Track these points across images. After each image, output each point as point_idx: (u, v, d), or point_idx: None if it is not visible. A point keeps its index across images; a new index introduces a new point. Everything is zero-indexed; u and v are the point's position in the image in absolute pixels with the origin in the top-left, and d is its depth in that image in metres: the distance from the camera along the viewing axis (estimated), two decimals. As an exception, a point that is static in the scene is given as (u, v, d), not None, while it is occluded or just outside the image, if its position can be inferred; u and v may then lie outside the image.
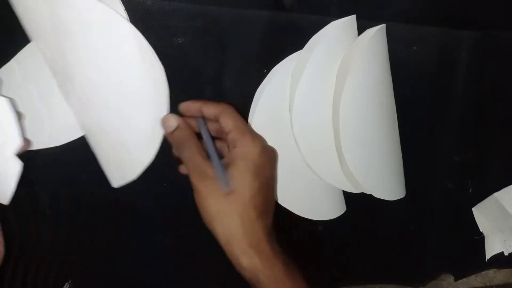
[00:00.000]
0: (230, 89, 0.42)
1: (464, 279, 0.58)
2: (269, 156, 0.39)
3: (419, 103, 0.47)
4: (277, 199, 0.42)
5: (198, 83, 0.41)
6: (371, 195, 0.45)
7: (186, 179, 0.37)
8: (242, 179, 0.36)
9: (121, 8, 0.36)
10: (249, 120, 0.42)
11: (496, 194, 0.53)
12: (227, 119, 0.37)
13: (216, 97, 0.41)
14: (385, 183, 0.46)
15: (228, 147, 0.39)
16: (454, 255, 0.55)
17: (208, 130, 0.39)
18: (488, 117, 0.50)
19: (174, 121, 0.38)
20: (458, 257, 0.55)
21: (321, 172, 0.43)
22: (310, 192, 0.45)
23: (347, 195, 0.48)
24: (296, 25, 0.41)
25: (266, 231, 0.36)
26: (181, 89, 0.39)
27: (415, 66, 0.45)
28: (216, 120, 0.38)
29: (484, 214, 0.54)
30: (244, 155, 0.37)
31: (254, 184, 0.36)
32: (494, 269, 0.58)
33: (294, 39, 0.41)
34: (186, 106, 0.39)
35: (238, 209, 0.35)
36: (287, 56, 0.41)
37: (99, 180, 0.41)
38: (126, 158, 0.40)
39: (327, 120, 0.42)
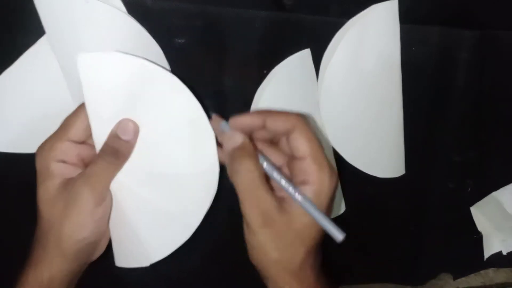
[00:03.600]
0: (230, 89, 0.42)
1: (463, 278, 0.58)
2: (337, 190, 0.33)
3: (419, 103, 0.47)
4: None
5: (198, 83, 0.41)
6: (371, 196, 0.45)
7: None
8: (303, 219, 0.31)
9: (121, 8, 0.37)
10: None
11: (495, 193, 0.53)
12: (302, 140, 0.31)
13: (216, 97, 0.41)
14: (374, 158, 0.47)
15: (289, 169, 0.33)
16: (453, 254, 0.55)
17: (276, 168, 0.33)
18: (488, 117, 0.50)
19: (238, 136, 0.32)
20: (457, 257, 0.56)
21: (347, 155, 0.45)
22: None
23: (347, 195, 0.48)
24: (296, 25, 0.41)
25: (313, 267, 0.33)
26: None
27: (415, 66, 0.45)
28: (283, 134, 0.32)
29: (482, 213, 0.54)
30: (316, 195, 0.31)
31: (314, 225, 0.31)
32: (493, 268, 0.58)
33: (294, 39, 0.41)
34: (242, 121, 0.33)
35: (288, 247, 0.31)
36: (287, 56, 0.41)
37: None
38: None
39: (356, 104, 0.43)
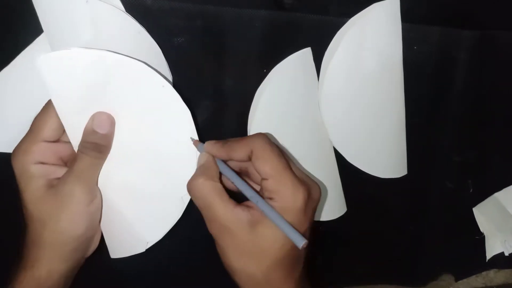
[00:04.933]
0: (230, 89, 0.42)
1: (465, 280, 0.57)
2: (311, 203, 0.33)
3: (419, 103, 0.47)
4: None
5: (197, 83, 0.41)
6: (371, 196, 0.45)
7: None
8: (273, 239, 0.31)
9: (121, 8, 0.37)
10: (249, 120, 0.42)
11: (496, 194, 0.53)
12: (262, 163, 0.32)
13: (216, 97, 0.41)
14: (375, 158, 0.47)
15: (260, 190, 0.34)
16: (454, 255, 0.55)
17: (235, 174, 0.34)
18: (488, 117, 0.50)
19: (202, 158, 0.34)
20: (458, 258, 0.55)
21: (348, 155, 0.45)
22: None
23: (348, 196, 0.48)
24: (296, 25, 0.41)
25: (294, 279, 0.33)
26: (181, 89, 0.39)
27: (415, 66, 0.45)
28: (247, 161, 0.33)
29: (484, 214, 0.54)
30: (283, 212, 0.31)
31: (286, 245, 0.31)
32: (495, 270, 0.58)
33: (294, 39, 0.41)
34: (211, 151, 0.34)
35: (264, 268, 0.32)
36: (287, 56, 0.41)
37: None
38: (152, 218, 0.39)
39: (357, 103, 0.43)
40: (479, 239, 0.55)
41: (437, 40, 0.45)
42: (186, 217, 0.44)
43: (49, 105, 0.33)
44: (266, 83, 0.41)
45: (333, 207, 0.47)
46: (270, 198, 0.32)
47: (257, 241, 0.31)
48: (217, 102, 0.42)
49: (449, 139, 0.49)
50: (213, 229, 0.32)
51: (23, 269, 0.33)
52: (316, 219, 0.46)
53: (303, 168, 0.43)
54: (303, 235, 0.31)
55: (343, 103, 0.44)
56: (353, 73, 0.43)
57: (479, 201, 0.54)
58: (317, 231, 0.49)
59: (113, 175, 0.36)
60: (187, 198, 0.38)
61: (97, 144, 0.34)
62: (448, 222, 0.53)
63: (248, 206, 0.33)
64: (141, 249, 0.39)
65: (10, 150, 0.39)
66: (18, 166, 0.33)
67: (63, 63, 0.33)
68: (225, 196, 0.32)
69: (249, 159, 0.33)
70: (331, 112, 0.43)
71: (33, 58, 0.37)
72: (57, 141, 0.35)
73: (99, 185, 0.36)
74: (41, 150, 0.33)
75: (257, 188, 0.35)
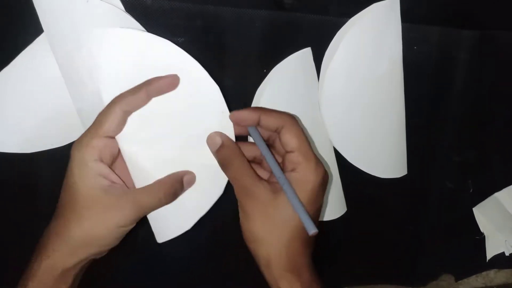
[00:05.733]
0: (230, 89, 0.42)
1: (465, 280, 0.57)
2: (325, 186, 0.36)
3: (419, 102, 0.47)
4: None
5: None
6: (371, 196, 0.45)
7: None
8: (294, 210, 0.33)
9: (121, 7, 0.37)
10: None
11: (497, 194, 0.53)
12: (291, 136, 0.34)
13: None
14: (376, 158, 0.47)
15: (282, 163, 0.36)
16: (455, 255, 0.55)
17: (265, 143, 0.36)
18: (488, 117, 0.50)
19: (218, 138, 0.36)
20: (459, 258, 0.55)
21: (348, 155, 0.45)
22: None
23: (348, 196, 0.48)
24: (296, 25, 0.41)
25: (308, 258, 0.35)
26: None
27: (415, 66, 0.45)
28: (275, 131, 0.35)
29: (485, 214, 0.54)
30: (302, 183, 0.34)
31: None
32: (495, 270, 0.58)
33: (294, 39, 0.41)
34: (241, 116, 0.36)
35: (284, 237, 0.34)
36: (287, 56, 0.41)
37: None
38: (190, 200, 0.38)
39: (357, 103, 0.43)
40: (479, 239, 0.55)
41: (437, 40, 0.45)
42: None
43: (114, 100, 0.34)
44: (266, 83, 0.41)
45: (333, 207, 0.47)
46: (293, 170, 0.34)
47: (280, 210, 0.34)
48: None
49: (449, 139, 0.49)
50: (239, 193, 0.34)
51: (38, 258, 0.33)
52: (316, 219, 0.46)
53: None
54: (317, 212, 0.35)
55: (343, 103, 0.44)
56: (353, 73, 0.43)
57: (479, 201, 0.54)
58: (317, 231, 0.49)
59: (154, 154, 0.36)
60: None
61: (175, 194, 0.36)
62: (448, 222, 0.53)
63: (267, 181, 0.35)
64: (188, 226, 0.39)
65: (10, 150, 0.39)
66: (77, 158, 0.33)
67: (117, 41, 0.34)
68: (254, 172, 0.35)
69: (277, 131, 0.35)
70: (331, 112, 0.43)
71: (33, 58, 0.37)
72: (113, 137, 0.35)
73: (141, 166, 0.36)
74: (101, 146, 0.33)
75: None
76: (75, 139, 0.40)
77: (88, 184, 0.33)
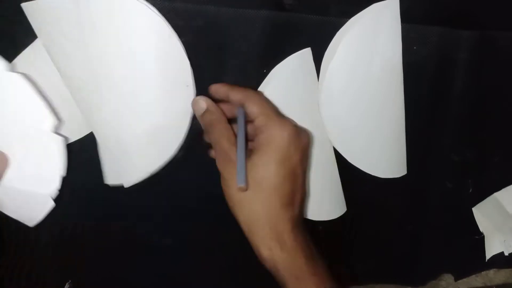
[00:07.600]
0: (230, 89, 0.42)
1: (464, 279, 0.58)
2: (299, 141, 0.36)
3: (418, 103, 0.47)
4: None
5: (198, 83, 0.41)
6: (371, 195, 0.45)
7: (186, 177, 0.37)
8: (266, 167, 0.34)
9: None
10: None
11: (496, 194, 0.53)
12: (252, 105, 0.36)
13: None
14: (375, 158, 0.47)
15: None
16: (454, 255, 0.55)
17: (245, 123, 0.37)
18: (487, 117, 0.50)
19: (203, 103, 0.38)
20: (458, 257, 0.55)
21: (349, 156, 0.45)
22: (311, 192, 0.45)
23: (348, 196, 0.48)
24: (296, 25, 0.41)
25: (291, 222, 0.35)
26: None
27: (415, 66, 0.45)
28: (242, 105, 0.37)
29: (484, 214, 0.54)
30: (269, 141, 0.35)
31: (279, 172, 0.34)
32: (494, 269, 0.58)
33: (294, 39, 0.41)
34: (215, 89, 0.39)
35: (261, 198, 0.34)
36: (287, 56, 0.41)
37: (99, 180, 0.41)
38: (149, 150, 0.40)
39: (357, 103, 0.43)
40: (479, 239, 0.55)
41: (437, 40, 0.45)
42: (186, 219, 0.44)
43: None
44: (266, 83, 0.41)
45: (333, 207, 0.47)
46: (260, 133, 0.35)
47: (253, 172, 0.34)
48: (217, 101, 0.42)
49: (448, 139, 0.49)
50: (219, 158, 0.35)
51: None
52: (316, 219, 0.46)
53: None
54: (293, 169, 0.35)
55: (343, 103, 0.44)
56: (353, 73, 0.43)
57: (479, 201, 0.54)
58: (317, 231, 0.49)
59: (117, 104, 0.37)
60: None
61: None
62: (448, 222, 0.53)
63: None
64: (136, 178, 0.41)
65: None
66: None
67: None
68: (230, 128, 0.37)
69: (242, 105, 0.37)
70: (330, 112, 0.43)
71: (29, 62, 0.37)
72: None
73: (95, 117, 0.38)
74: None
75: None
76: (75, 139, 0.40)
77: None
